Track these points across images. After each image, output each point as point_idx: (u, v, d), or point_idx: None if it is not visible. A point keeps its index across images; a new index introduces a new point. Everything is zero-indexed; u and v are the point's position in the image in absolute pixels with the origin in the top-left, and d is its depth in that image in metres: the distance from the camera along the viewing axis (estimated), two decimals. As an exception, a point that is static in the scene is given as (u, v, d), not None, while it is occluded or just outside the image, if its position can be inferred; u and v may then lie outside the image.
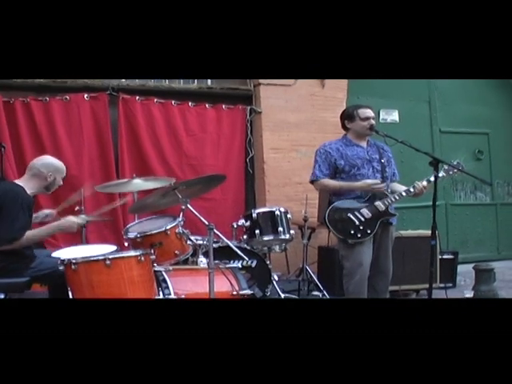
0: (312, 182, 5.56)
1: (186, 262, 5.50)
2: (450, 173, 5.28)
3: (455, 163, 5.30)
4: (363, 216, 5.30)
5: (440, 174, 5.11)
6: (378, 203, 5.32)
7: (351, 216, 5.30)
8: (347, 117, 5.54)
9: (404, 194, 5.34)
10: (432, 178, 5.18)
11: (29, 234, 4.71)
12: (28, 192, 4.83)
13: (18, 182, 5.00)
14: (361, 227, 5.29)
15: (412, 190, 5.32)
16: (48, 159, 5.14)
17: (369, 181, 5.33)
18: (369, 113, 5.46)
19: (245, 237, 6.39)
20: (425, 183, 5.28)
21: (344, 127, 5.59)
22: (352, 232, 5.29)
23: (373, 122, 5.44)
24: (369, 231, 5.31)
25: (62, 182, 5.13)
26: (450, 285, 7.31)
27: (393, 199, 5.32)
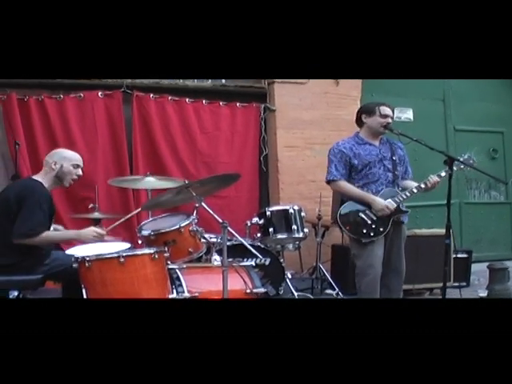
0: (329, 181, 5.51)
1: (199, 259, 5.51)
2: (462, 167, 5.24)
3: (466, 157, 5.27)
4: (375, 215, 5.28)
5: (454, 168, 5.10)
6: (389, 201, 5.29)
7: (363, 215, 5.28)
8: (366, 111, 5.49)
9: (415, 190, 5.30)
10: (443, 174, 5.17)
11: (48, 234, 4.73)
12: (46, 186, 4.85)
13: (35, 177, 4.98)
14: (373, 226, 5.27)
15: (423, 185, 5.29)
16: (56, 150, 5.14)
17: (380, 204, 5.31)
18: (389, 111, 5.42)
19: (258, 235, 6.39)
20: (437, 178, 5.24)
21: (359, 122, 5.55)
22: (364, 231, 5.27)
23: (390, 120, 5.40)
24: (381, 229, 5.28)
25: (80, 172, 5.03)
26: (464, 284, 7.28)
27: (404, 196, 5.29)
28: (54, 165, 4.90)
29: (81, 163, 5.07)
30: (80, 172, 5.05)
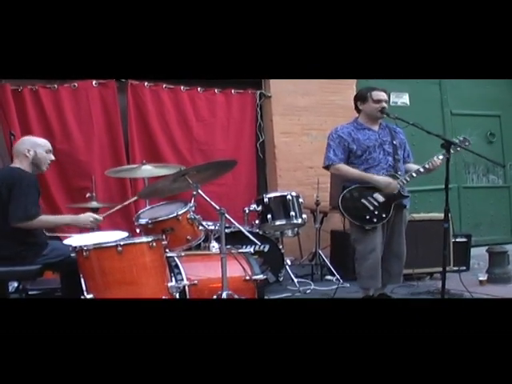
0: (327, 166, 5.48)
1: (198, 247, 5.49)
2: (458, 149, 5.19)
3: (461, 138, 5.22)
4: (377, 200, 5.25)
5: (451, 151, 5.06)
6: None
7: (365, 202, 5.25)
8: (360, 98, 5.49)
9: (414, 174, 5.27)
10: (441, 157, 5.12)
11: (47, 217, 4.71)
12: None
13: (13, 165, 4.85)
14: (376, 212, 5.24)
15: (422, 169, 5.25)
16: (23, 138, 5.05)
17: (383, 179, 5.27)
18: (382, 96, 5.39)
19: (257, 222, 6.40)
20: (439, 160, 5.17)
21: (356, 109, 5.54)
22: (368, 218, 5.24)
23: (385, 105, 5.38)
24: (384, 215, 5.26)
25: (52, 157, 4.92)
26: (464, 268, 7.25)
27: (404, 181, 5.26)
28: (28, 152, 4.77)
29: (51, 148, 4.97)
30: (52, 157, 4.96)
